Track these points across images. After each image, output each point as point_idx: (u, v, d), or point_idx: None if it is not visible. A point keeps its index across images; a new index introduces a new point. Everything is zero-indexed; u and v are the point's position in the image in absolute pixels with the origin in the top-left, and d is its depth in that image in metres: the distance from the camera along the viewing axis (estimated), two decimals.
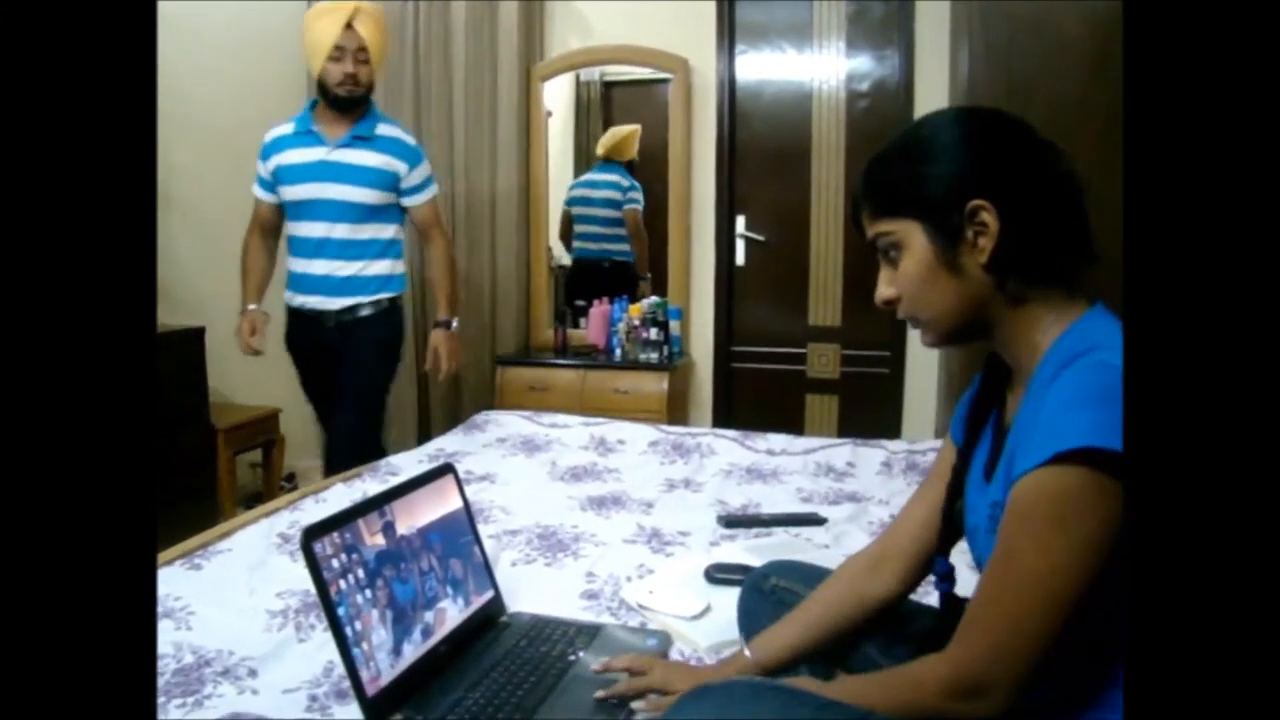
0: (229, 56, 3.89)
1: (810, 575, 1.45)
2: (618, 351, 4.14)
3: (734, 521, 2.15)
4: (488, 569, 1.61)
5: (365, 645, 1.24)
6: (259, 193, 2.98)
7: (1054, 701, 1.00)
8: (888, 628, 1.32)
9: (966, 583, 1.68)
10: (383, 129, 2.90)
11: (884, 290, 1.11)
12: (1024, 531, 0.94)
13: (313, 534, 1.23)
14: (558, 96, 4.40)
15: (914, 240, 1.06)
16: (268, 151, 2.94)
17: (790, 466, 2.61)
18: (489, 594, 1.59)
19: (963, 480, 1.18)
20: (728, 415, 4.19)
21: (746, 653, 1.33)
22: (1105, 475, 0.88)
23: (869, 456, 2.67)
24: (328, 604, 1.21)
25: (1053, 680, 0.96)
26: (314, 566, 1.21)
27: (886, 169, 1.10)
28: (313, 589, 1.70)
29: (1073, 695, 0.99)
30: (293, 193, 2.88)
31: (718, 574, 1.77)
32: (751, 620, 1.45)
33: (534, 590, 1.76)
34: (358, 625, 1.24)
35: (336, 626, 1.20)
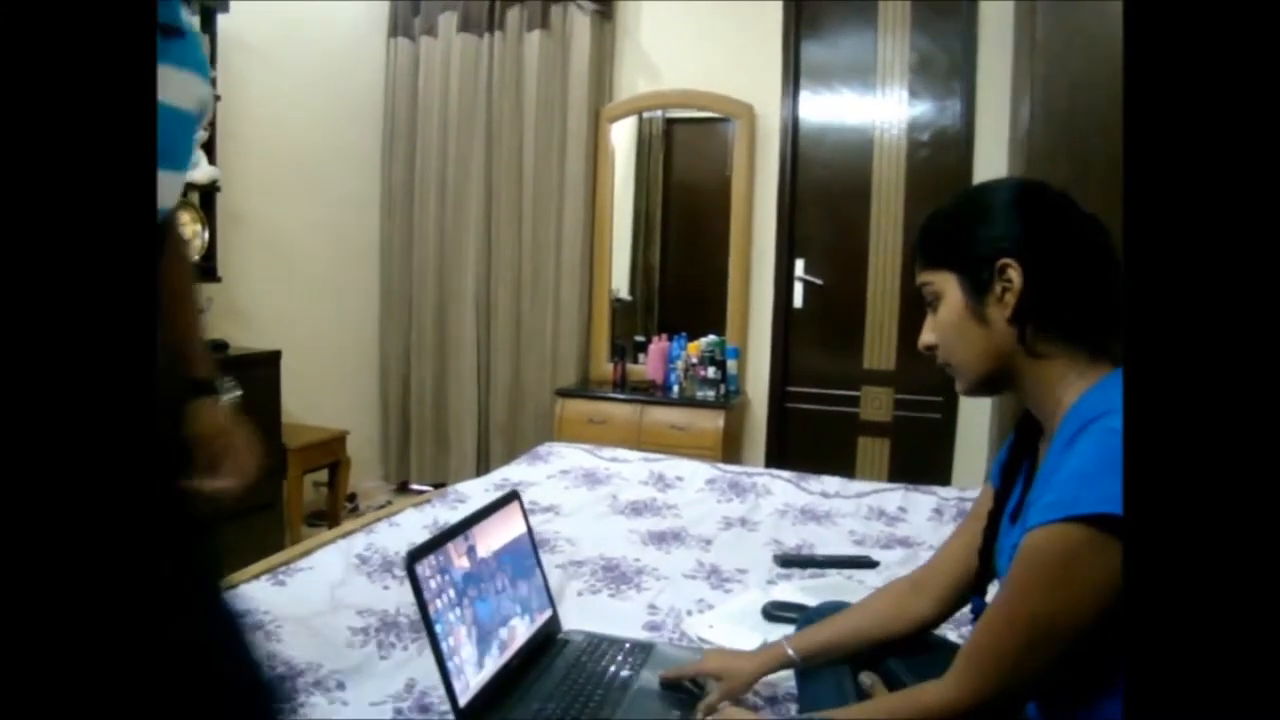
0: (308, 83, 4.05)
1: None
2: (675, 388, 4.24)
3: (789, 561, 2.22)
4: (546, 588, 1.71)
5: (457, 659, 1.34)
6: None
7: (1051, 708, 1.11)
8: (912, 650, 1.41)
9: None
10: None
11: (925, 336, 1.23)
12: (1031, 578, 1.03)
13: (415, 557, 1.33)
14: (620, 132, 4.53)
15: (950, 291, 1.17)
16: None
17: (843, 509, 2.68)
18: (549, 612, 1.69)
19: (997, 524, 1.27)
20: (781, 455, 4.27)
21: (789, 650, 1.44)
22: (1111, 536, 0.96)
23: (920, 502, 2.73)
24: (428, 620, 1.31)
25: (1051, 693, 1.08)
26: (416, 586, 1.31)
27: (938, 224, 1.22)
28: (391, 609, 1.83)
29: (1071, 700, 1.08)
30: None
31: (775, 611, 1.85)
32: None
33: (599, 619, 1.84)
34: (450, 641, 1.34)
35: (435, 641, 1.31)
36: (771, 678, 1.63)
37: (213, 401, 1.40)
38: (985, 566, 1.29)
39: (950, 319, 1.18)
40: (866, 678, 1.37)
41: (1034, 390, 1.17)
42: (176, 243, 1.41)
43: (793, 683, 1.54)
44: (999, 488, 1.28)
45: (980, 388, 1.21)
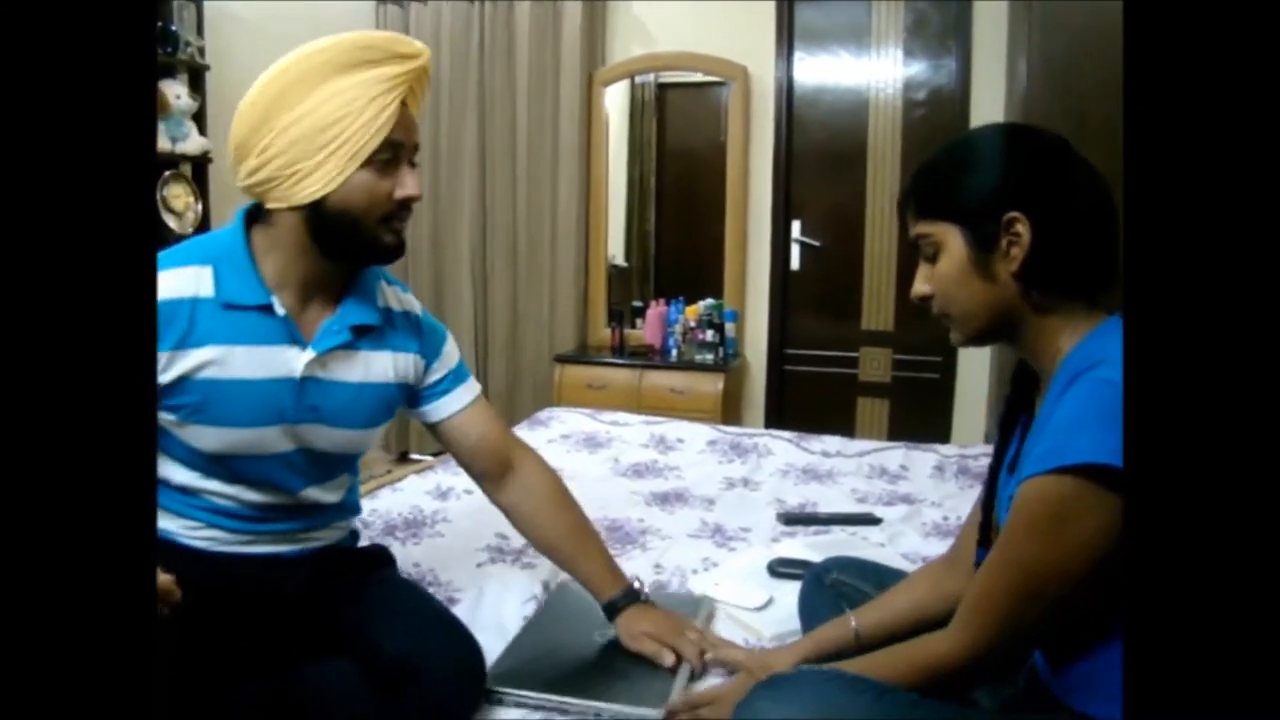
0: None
1: (868, 571, 1.55)
2: (674, 352, 4.24)
3: (793, 519, 2.23)
4: None
5: None
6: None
7: (1052, 653, 1.13)
8: None
9: None
10: (392, 295, 1.57)
11: (920, 286, 1.20)
12: (1024, 530, 1.04)
13: None
14: (613, 98, 4.49)
15: (951, 243, 1.15)
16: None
17: (845, 468, 2.69)
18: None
19: (997, 476, 1.27)
20: (780, 417, 4.28)
21: (853, 622, 1.40)
22: (1103, 488, 0.97)
23: (921, 460, 2.74)
24: None
25: (1052, 641, 1.10)
26: None
27: (933, 174, 1.19)
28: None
29: (1072, 648, 1.10)
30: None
31: (780, 568, 1.86)
32: (811, 612, 1.55)
33: None
34: None
35: None
36: (779, 629, 1.65)
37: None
38: (988, 519, 1.28)
39: (951, 271, 1.16)
40: None
41: (1032, 342, 1.16)
42: None
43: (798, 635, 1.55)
44: (998, 440, 1.28)
45: (978, 339, 1.20)
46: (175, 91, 3.24)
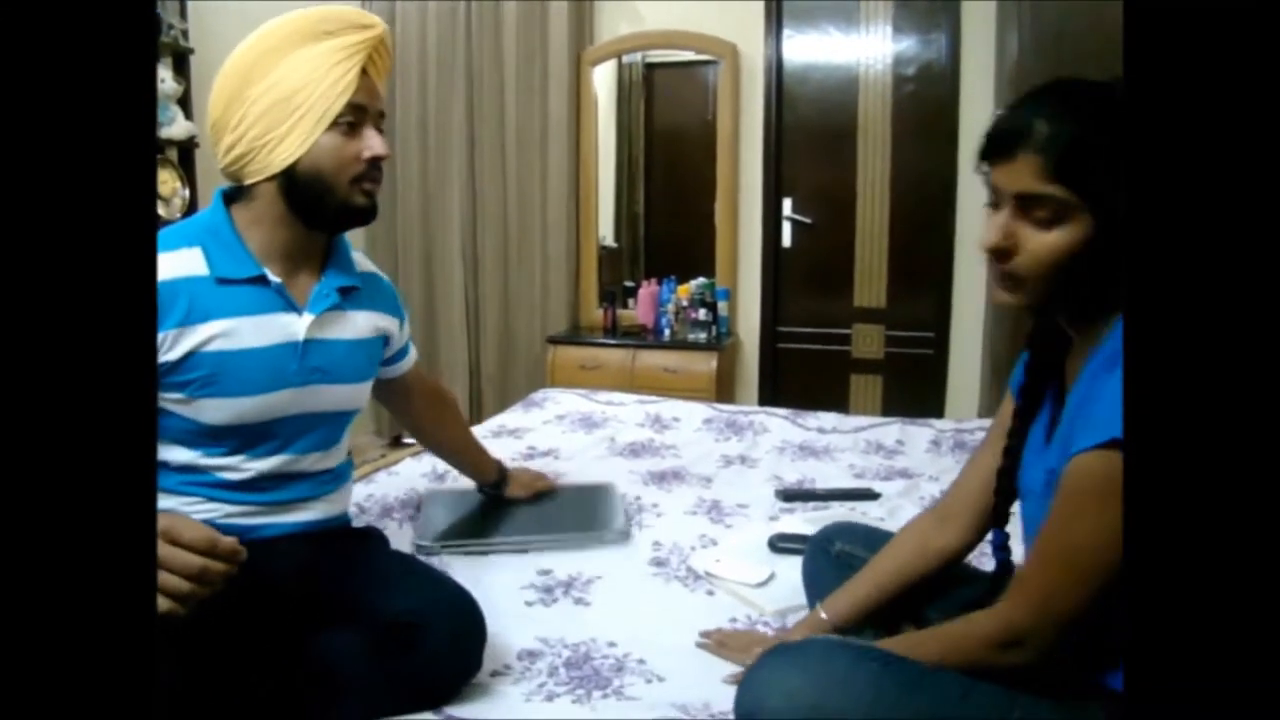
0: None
1: (871, 538, 1.53)
2: (666, 331, 4.23)
3: (791, 495, 2.23)
4: None
5: None
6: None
7: (1089, 648, 1.09)
8: (946, 593, 1.40)
9: (1020, 549, 1.76)
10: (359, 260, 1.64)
11: (1000, 239, 1.06)
12: (1076, 506, 1.02)
13: None
14: (600, 78, 4.45)
15: (1080, 221, 1.02)
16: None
17: (841, 444, 2.69)
18: None
19: (1020, 443, 1.23)
20: (774, 394, 4.27)
21: (822, 614, 1.42)
22: None
23: (918, 435, 2.74)
24: None
25: (1089, 632, 1.05)
26: None
27: (1099, 135, 1.01)
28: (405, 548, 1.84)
29: (1106, 644, 1.07)
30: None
31: (781, 544, 1.86)
32: (817, 582, 1.54)
33: (604, 558, 1.86)
34: None
35: None
36: (782, 604, 1.65)
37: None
38: (1005, 489, 1.26)
39: (1063, 249, 1.03)
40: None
41: (1089, 308, 1.09)
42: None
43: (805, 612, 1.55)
44: (1020, 405, 1.24)
45: (1040, 308, 1.11)
46: (160, 75, 3.21)
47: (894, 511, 2.12)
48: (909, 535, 1.43)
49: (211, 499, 1.44)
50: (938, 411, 4.01)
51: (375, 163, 1.45)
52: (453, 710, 1.33)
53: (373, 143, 1.44)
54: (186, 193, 3.40)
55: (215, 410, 1.39)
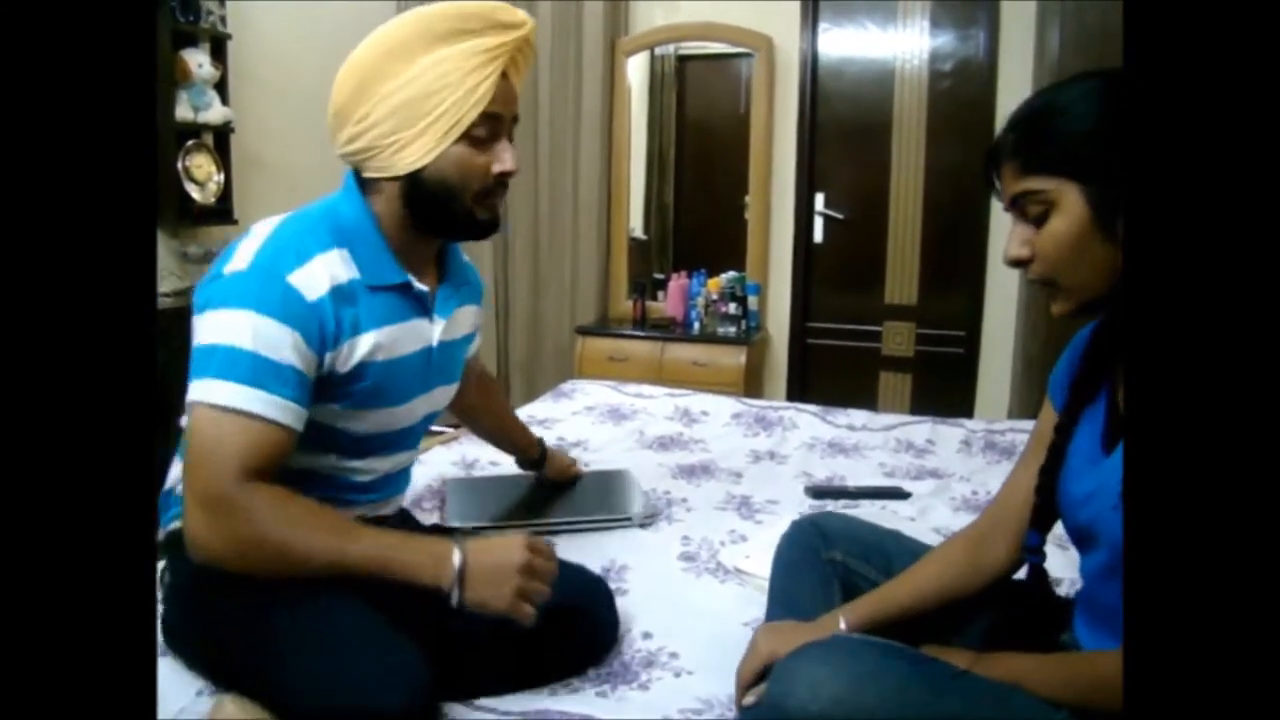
0: (318, 19, 3.95)
1: (880, 551, 1.42)
2: (696, 325, 4.22)
3: (821, 493, 2.22)
4: None
5: None
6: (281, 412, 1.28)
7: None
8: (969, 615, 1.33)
9: (1055, 561, 1.74)
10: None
11: (1018, 250, 1.08)
12: None
13: None
14: (633, 70, 4.45)
15: (1068, 202, 1.03)
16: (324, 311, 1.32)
17: (871, 442, 2.67)
18: None
19: (1063, 453, 1.19)
20: (802, 390, 4.26)
21: (841, 622, 1.30)
22: None
23: (948, 435, 2.72)
24: None
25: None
26: None
27: (1045, 124, 1.05)
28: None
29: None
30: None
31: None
32: (796, 580, 1.42)
33: (632, 551, 1.85)
34: None
35: None
36: None
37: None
38: (1046, 500, 1.21)
39: (1067, 233, 1.03)
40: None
41: None
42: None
43: None
44: (1063, 413, 1.20)
45: (1087, 310, 1.08)
46: (198, 60, 3.22)
47: (925, 511, 2.10)
48: (957, 549, 1.34)
49: (347, 503, 1.43)
50: (967, 411, 3.99)
51: (503, 178, 1.38)
52: (482, 701, 1.33)
53: (504, 158, 1.36)
54: (221, 177, 3.41)
55: (368, 420, 1.39)
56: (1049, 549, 1.25)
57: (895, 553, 1.42)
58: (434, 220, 1.39)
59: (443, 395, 1.56)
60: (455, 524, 1.89)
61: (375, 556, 1.21)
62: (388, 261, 1.38)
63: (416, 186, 1.34)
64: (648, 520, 2.00)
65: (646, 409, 2.94)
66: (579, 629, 1.42)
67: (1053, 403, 1.26)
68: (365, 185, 1.39)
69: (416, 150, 1.31)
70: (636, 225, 4.62)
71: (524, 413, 2.93)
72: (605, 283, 4.47)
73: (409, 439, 1.52)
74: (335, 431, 1.37)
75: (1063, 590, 1.56)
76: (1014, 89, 3.79)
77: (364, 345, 1.33)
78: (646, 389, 3.16)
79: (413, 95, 1.29)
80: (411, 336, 1.42)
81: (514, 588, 1.22)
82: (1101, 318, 1.18)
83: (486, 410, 2.00)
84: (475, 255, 4.45)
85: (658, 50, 4.47)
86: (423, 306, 1.44)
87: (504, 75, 1.35)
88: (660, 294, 4.45)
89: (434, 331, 1.46)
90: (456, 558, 1.22)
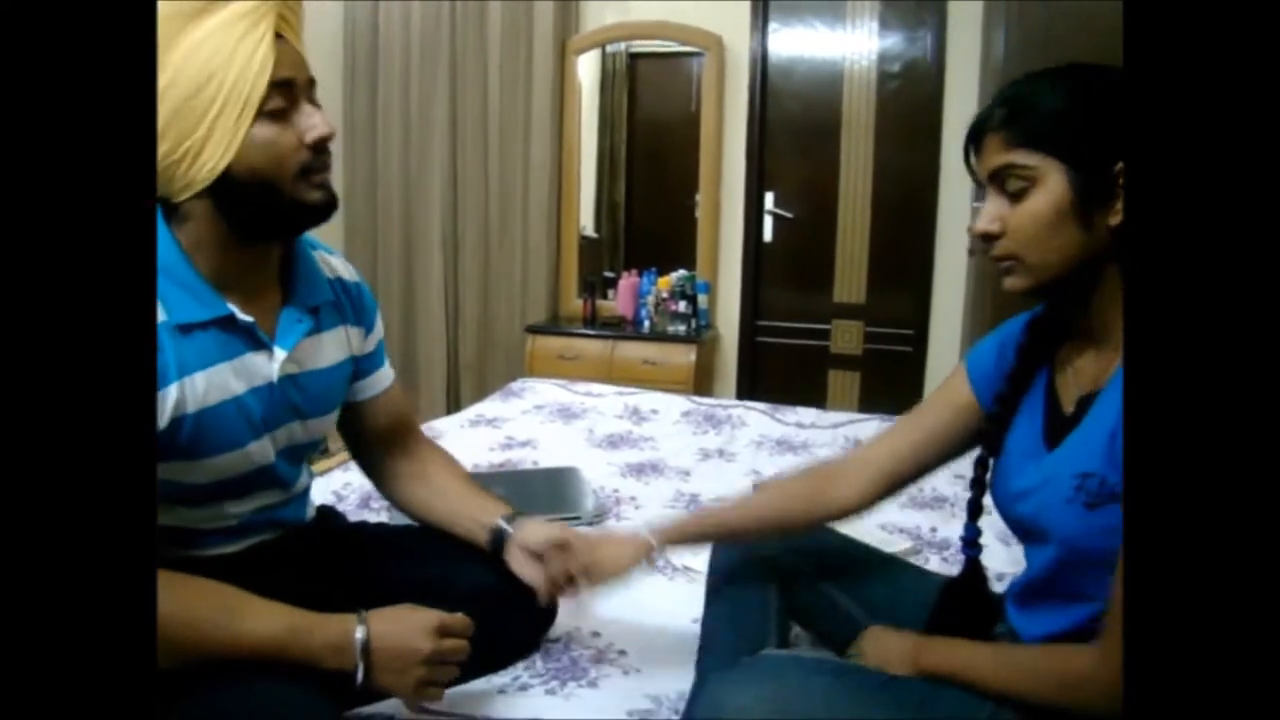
0: None
1: (866, 586, 1.39)
2: (646, 323, 4.23)
3: None
4: None
5: None
6: None
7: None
8: (849, 571, 1.37)
9: (994, 554, 1.75)
10: (330, 265, 1.44)
11: (987, 224, 1.08)
12: None
13: None
14: (584, 68, 4.43)
15: (1052, 182, 1.03)
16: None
17: (820, 439, 2.69)
18: None
19: (998, 446, 1.19)
20: (752, 388, 4.28)
21: (650, 538, 1.36)
22: None
23: None
24: None
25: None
26: None
27: (1040, 102, 1.05)
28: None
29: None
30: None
31: None
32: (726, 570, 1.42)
33: None
34: None
35: None
36: None
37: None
38: (981, 493, 1.22)
39: (1043, 212, 1.03)
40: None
41: (1103, 303, 1.07)
42: None
43: None
44: (998, 406, 1.20)
45: (1044, 291, 1.09)
46: None
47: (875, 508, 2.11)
48: (801, 481, 1.39)
49: (215, 550, 1.28)
50: None
51: (322, 145, 1.18)
52: (425, 704, 1.32)
53: (313, 122, 1.17)
54: None
55: (198, 472, 1.20)
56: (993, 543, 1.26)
57: (828, 548, 1.42)
58: (260, 222, 1.20)
59: (309, 428, 1.34)
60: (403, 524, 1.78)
61: (271, 643, 1.12)
62: (202, 293, 1.18)
63: (229, 190, 1.14)
64: (597, 518, 2.00)
65: (596, 407, 2.94)
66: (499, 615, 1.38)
67: (975, 391, 1.26)
68: (174, 213, 1.18)
69: (212, 152, 1.12)
70: (587, 223, 4.61)
71: (473, 411, 2.92)
72: (556, 281, 4.45)
73: (267, 479, 1.30)
74: (171, 484, 1.19)
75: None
76: (961, 90, 3.84)
77: (169, 400, 1.13)
78: (596, 388, 3.16)
79: (184, 91, 1.09)
80: (242, 374, 1.21)
81: (418, 678, 1.17)
82: (1041, 309, 1.19)
83: (418, 476, 1.55)
84: (424, 255, 4.44)
85: (609, 48, 4.46)
86: (255, 339, 1.23)
87: (279, 37, 1.14)
88: (611, 292, 4.44)
89: (272, 365, 1.25)
90: (359, 642, 1.15)
